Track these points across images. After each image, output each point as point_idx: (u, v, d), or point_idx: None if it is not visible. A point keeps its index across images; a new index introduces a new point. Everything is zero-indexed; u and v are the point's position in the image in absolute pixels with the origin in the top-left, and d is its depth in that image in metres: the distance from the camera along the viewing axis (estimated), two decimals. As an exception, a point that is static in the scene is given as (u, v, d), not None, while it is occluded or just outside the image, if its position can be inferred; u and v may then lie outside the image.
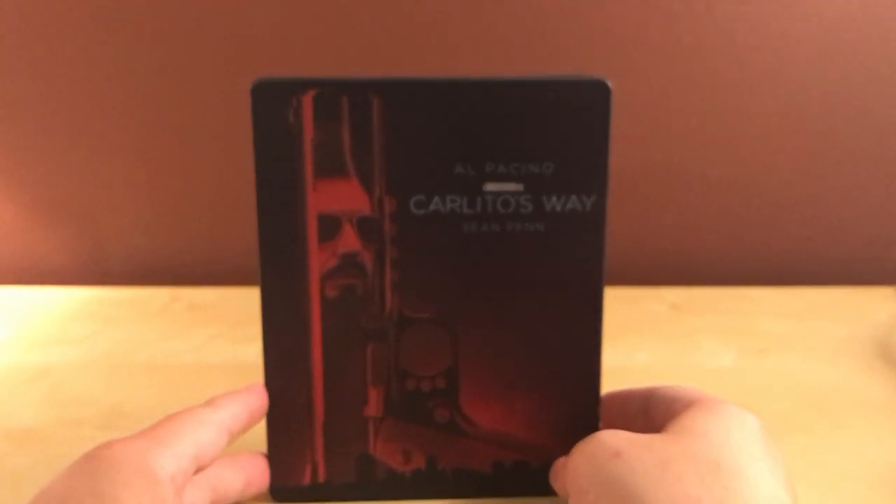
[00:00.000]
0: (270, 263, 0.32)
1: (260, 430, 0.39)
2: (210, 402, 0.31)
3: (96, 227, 0.61)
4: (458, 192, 0.32)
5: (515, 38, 0.57)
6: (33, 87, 0.58)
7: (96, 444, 0.28)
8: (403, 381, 0.33)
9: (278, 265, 0.32)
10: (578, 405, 0.34)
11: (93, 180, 0.60)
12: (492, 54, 0.57)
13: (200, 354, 0.48)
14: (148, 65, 0.57)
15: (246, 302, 0.56)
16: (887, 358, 0.48)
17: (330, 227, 0.32)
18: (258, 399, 0.33)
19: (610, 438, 0.28)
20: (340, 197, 0.32)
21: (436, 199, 0.32)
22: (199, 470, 0.29)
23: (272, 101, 0.31)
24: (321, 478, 0.34)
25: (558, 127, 0.31)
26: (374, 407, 0.33)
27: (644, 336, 0.51)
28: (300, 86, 0.31)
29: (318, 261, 0.32)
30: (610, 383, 0.44)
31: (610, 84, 0.31)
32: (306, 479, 0.34)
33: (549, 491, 0.34)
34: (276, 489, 0.34)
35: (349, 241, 0.32)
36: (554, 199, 0.32)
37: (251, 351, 0.49)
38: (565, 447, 0.33)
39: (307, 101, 0.31)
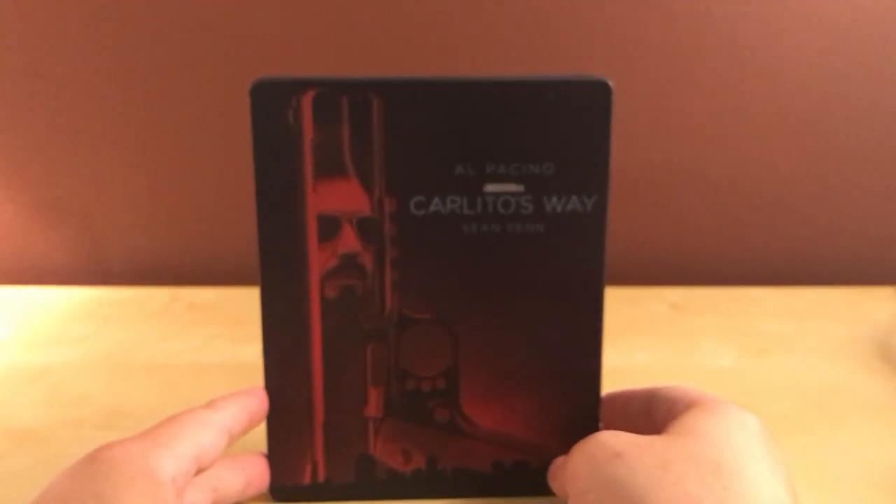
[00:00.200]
0: (270, 264, 0.32)
1: (260, 430, 0.39)
2: (210, 404, 0.31)
3: (96, 227, 0.61)
4: (458, 192, 0.32)
5: (515, 38, 0.56)
6: (33, 87, 0.58)
7: (96, 444, 0.28)
8: (403, 382, 0.33)
9: (278, 265, 0.32)
10: (579, 405, 0.34)
11: (93, 180, 0.60)
12: (492, 54, 0.57)
13: (200, 354, 0.48)
14: (148, 65, 0.57)
15: (246, 302, 0.56)
16: (887, 358, 0.48)
17: (330, 227, 0.32)
18: (258, 401, 0.33)
19: (610, 439, 0.28)
20: (340, 197, 0.32)
21: (436, 199, 0.32)
22: (199, 471, 0.29)
23: (272, 101, 0.31)
24: (321, 477, 0.34)
25: (559, 127, 0.31)
26: (374, 407, 0.33)
27: (644, 336, 0.51)
28: (300, 86, 0.31)
29: (318, 261, 0.32)
30: (610, 383, 0.44)
31: (611, 84, 0.31)
32: (306, 479, 0.34)
33: (549, 491, 0.34)
34: (276, 489, 0.34)
35: (349, 241, 0.32)
36: (554, 199, 0.32)
37: (251, 351, 0.49)
38: (565, 447, 0.33)
39: (307, 101, 0.31)
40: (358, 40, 0.57)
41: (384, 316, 0.33)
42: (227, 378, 0.45)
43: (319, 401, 0.33)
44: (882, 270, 0.61)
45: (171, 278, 0.61)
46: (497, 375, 0.33)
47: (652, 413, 0.31)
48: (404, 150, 0.31)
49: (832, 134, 0.59)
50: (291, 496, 0.34)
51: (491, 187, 0.32)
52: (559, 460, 0.33)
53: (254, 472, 0.33)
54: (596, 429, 0.34)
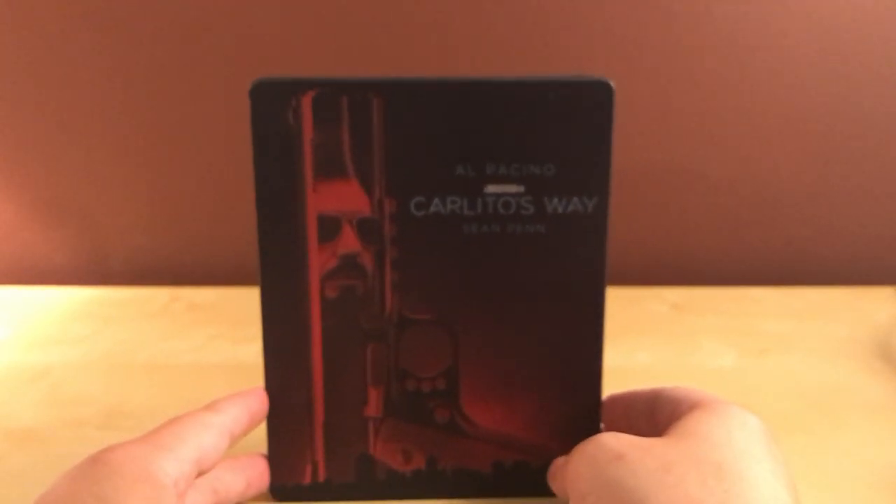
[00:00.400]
0: (270, 264, 0.32)
1: (260, 430, 0.39)
2: (211, 406, 0.31)
3: (96, 227, 0.61)
4: (458, 193, 0.32)
5: (515, 38, 0.56)
6: (33, 87, 0.58)
7: (97, 444, 0.28)
8: (403, 382, 0.33)
9: (278, 266, 0.32)
10: (579, 406, 0.34)
11: (93, 180, 0.60)
12: (492, 54, 0.57)
13: (200, 354, 0.48)
14: (148, 65, 0.57)
15: (246, 302, 0.56)
16: (887, 358, 0.48)
17: (330, 227, 0.32)
18: (259, 402, 0.33)
19: (611, 441, 0.28)
20: (340, 198, 0.32)
21: (436, 200, 0.32)
22: (200, 474, 0.29)
23: (271, 101, 0.31)
24: (321, 477, 0.34)
25: (560, 128, 0.31)
26: (374, 407, 0.33)
27: (644, 336, 0.51)
28: (299, 86, 0.31)
29: (318, 261, 0.32)
30: (610, 383, 0.44)
31: (613, 84, 0.31)
32: (306, 479, 0.34)
33: (549, 491, 0.34)
34: (276, 488, 0.34)
35: (349, 241, 0.32)
36: (555, 200, 0.32)
37: (251, 351, 0.49)
38: (566, 448, 0.33)
39: (307, 101, 0.31)
40: (358, 40, 0.57)
41: (384, 316, 0.33)
42: (227, 378, 0.45)
43: (319, 401, 0.33)
44: (882, 270, 0.61)
45: (171, 278, 0.61)
46: (497, 376, 0.33)
47: (655, 414, 0.31)
48: (404, 150, 0.31)
49: (832, 134, 0.59)
50: (291, 496, 0.34)
51: (491, 188, 0.32)
52: (559, 461, 0.33)
53: (254, 473, 0.33)
54: (597, 429, 0.34)
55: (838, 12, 0.56)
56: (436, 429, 0.34)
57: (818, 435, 0.40)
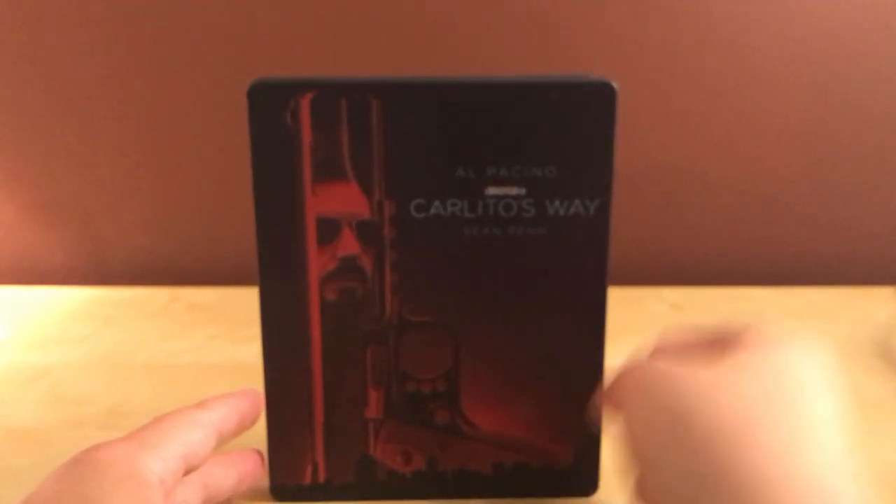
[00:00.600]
0: (269, 266, 0.32)
1: (261, 430, 0.39)
2: (199, 404, 0.31)
3: (96, 227, 0.61)
4: (458, 195, 0.32)
5: (515, 38, 0.56)
6: (33, 87, 0.58)
7: (96, 444, 0.28)
8: (403, 384, 0.33)
9: (277, 268, 0.32)
10: (580, 408, 0.34)
11: (93, 180, 0.60)
12: (492, 54, 0.57)
13: (200, 355, 0.48)
14: (148, 65, 0.57)
15: (246, 302, 0.56)
16: (887, 358, 0.48)
17: (329, 230, 0.32)
18: (250, 403, 0.33)
19: (660, 364, 0.28)
20: (339, 200, 0.32)
21: (436, 202, 0.32)
22: (189, 471, 0.29)
23: (269, 102, 0.31)
24: (321, 478, 0.34)
25: (562, 129, 0.31)
26: (374, 409, 0.33)
27: (644, 336, 0.51)
28: (298, 87, 0.31)
29: (318, 264, 0.32)
30: (610, 384, 0.44)
31: (615, 85, 0.31)
32: (307, 479, 0.34)
33: (549, 492, 0.34)
34: (276, 488, 0.34)
35: (348, 244, 0.32)
36: (557, 203, 0.32)
37: (251, 351, 0.48)
38: (566, 449, 0.34)
39: (305, 102, 0.31)
40: (358, 40, 0.57)
41: (384, 318, 0.33)
42: (227, 378, 0.45)
43: (319, 402, 0.33)
44: (882, 270, 0.61)
45: (171, 278, 0.61)
46: (497, 378, 0.33)
47: (713, 345, 0.30)
48: (404, 152, 0.31)
49: (832, 134, 0.59)
50: (292, 496, 0.34)
51: (492, 190, 0.32)
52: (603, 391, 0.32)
53: (246, 468, 0.33)
54: (598, 430, 0.34)
55: (838, 12, 0.56)
56: (436, 430, 0.34)
57: (818, 435, 0.39)
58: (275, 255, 0.32)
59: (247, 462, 0.33)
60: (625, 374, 0.29)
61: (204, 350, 0.49)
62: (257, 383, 0.42)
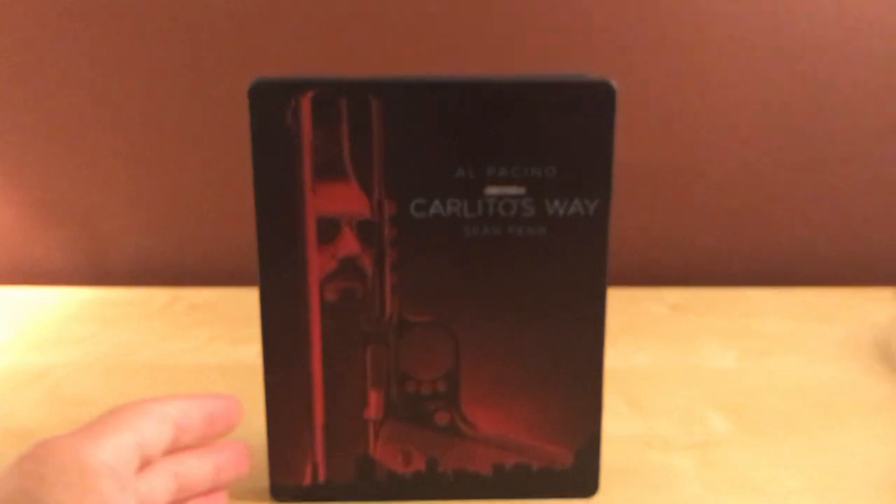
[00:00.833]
0: (269, 266, 0.32)
1: (261, 429, 0.39)
2: (158, 397, 0.31)
3: (96, 227, 0.61)
4: (458, 195, 0.32)
5: (515, 38, 0.56)
6: (33, 87, 0.58)
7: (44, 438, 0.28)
8: (403, 384, 0.33)
9: (277, 268, 0.32)
10: (580, 408, 0.34)
11: (93, 180, 0.60)
12: (492, 54, 0.57)
13: (200, 355, 0.48)
14: (148, 65, 0.57)
15: (246, 302, 0.56)
16: (887, 359, 0.48)
17: (329, 229, 0.32)
18: (222, 406, 0.32)
19: None
20: (340, 199, 0.32)
21: (436, 202, 0.32)
22: (147, 459, 0.29)
23: (270, 102, 0.31)
24: (321, 478, 0.34)
25: (561, 129, 0.31)
26: (374, 409, 0.33)
27: (644, 337, 0.51)
28: (298, 87, 0.31)
29: (318, 263, 0.32)
30: (610, 384, 0.45)
31: (615, 85, 0.31)
32: (306, 479, 0.34)
33: (549, 493, 0.34)
34: (276, 488, 0.34)
35: (349, 244, 0.32)
36: (556, 202, 0.32)
37: (251, 351, 0.49)
38: (566, 450, 0.34)
39: (305, 102, 0.31)
40: (358, 40, 0.57)
41: (384, 319, 0.33)
42: (227, 378, 0.45)
43: (319, 402, 0.33)
44: (882, 270, 0.61)
45: (171, 278, 0.61)
46: (497, 378, 0.33)
47: None
48: (404, 151, 0.31)
49: (832, 134, 0.59)
50: (291, 496, 0.34)
51: (492, 190, 0.32)
52: None
53: (224, 458, 0.32)
54: (598, 431, 0.34)
55: (838, 12, 0.56)
56: (436, 431, 0.34)
57: (818, 435, 0.40)
58: (275, 255, 0.32)
59: (224, 452, 0.32)
60: None
61: (204, 350, 0.49)
62: (257, 383, 0.42)
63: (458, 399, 0.33)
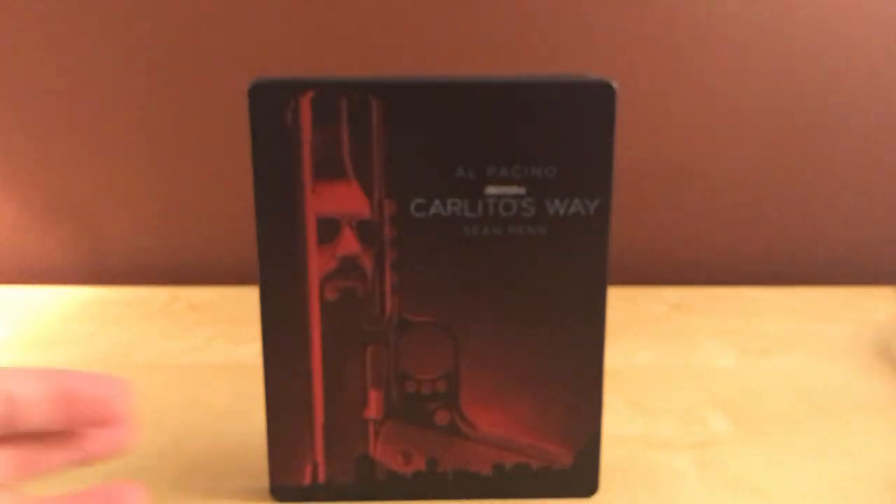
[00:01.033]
0: (270, 266, 0.32)
1: (261, 429, 0.39)
2: None
3: (96, 227, 0.61)
4: (459, 195, 0.32)
5: (515, 38, 0.56)
6: (33, 87, 0.58)
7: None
8: (403, 384, 0.33)
9: (277, 268, 0.32)
10: (580, 408, 0.34)
11: (93, 180, 0.60)
12: (492, 54, 0.57)
13: (200, 354, 0.48)
14: (148, 65, 0.57)
15: (246, 302, 0.56)
16: (887, 358, 0.48)
17: (329, 229, 0.32)
18: (88, 383, 0.26)
19: None
20: (340, 199, 0.32)
21: (436, 202, 0.32)
22: None
23: (270, 102, 0.31)
24: (321, 478, 0.34)
25: (561, 129, 0.31)
26: (374, 409, 0.33)
27: (644, 336, 0.51)
28: (298, 87, 0.31)
29: (318, 263, 0.32)
30: (611, 383, 0.45)
31: (615, 85, 0.31)
32: (306, 479, 0.34)
33: (549, 493, 0.34)
34: (276, 488, 0.34)
35: (349, 243, 0.32)
36: (557, 202, 0.32)
37: (251, 351, 0.49)
38: (566, 449, 0.34)
39: (305, 102, 0.31)
40: (358, 40, 0.57)
41: (384, 318, 0.33)
42: (227, 378, 0.45)
43: (319, 402, 0.33)
44: (882, 270, 0.61)
45: (171, 278, 0.61)
46: (498, 378, 0.33)
47: None
48: (404, 151, 0.31)
49: (832, 134, 0.59)
50: (291, 496, 0.34)
51: (492, 190, 0.32)
52: None
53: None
54: (598, 431, 0.34)
55: (839, 12, 0.56)
56: (436, 431, 0.34)
57: (818, 435, 0.40)
58: (275, 254, 0.32)
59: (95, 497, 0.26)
60: None
61: (204, 350, 0.49)
62: (257, 383, 0.42)
63: (458, 399, 0.33)
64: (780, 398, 0.43)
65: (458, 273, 0.32)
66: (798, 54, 0.57)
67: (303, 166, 0.31)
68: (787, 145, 0.59)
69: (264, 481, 0.35)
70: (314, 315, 0.33)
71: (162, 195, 0.60)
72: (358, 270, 0.32)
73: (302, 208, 0.32)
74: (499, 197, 0.32)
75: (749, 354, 0.48)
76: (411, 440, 0.34)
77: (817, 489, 0.35)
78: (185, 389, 0.44)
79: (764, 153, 0.59)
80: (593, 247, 0.32)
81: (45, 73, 0.58)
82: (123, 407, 0.26)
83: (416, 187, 0.32)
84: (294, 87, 0.31)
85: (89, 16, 0.56)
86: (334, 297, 0.32)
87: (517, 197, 0.32)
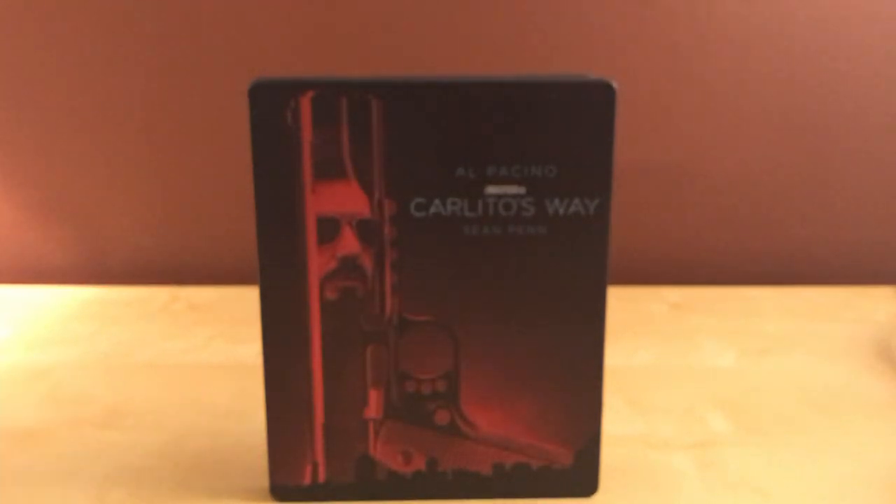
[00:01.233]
0: (270, 265, 0.32)
1: (261, 429, 0.39)
2: None
3: (96, 227, 0.61)
4: (459, 194, 0.32)
5: (515, 38, 0.56)
6: (34, 87, 0.58)
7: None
8: (403, 384, 0.33)
9: (277, 267, 0.32)
10: (580, 408, 0.34)
11: (93, 180, 0.60)
12: (492, 54, 0.57)
13: (200, 354, 0.48)
14: (148, 64, 0.57)
15: (246, 302, 0.56)
16: (887, 358, 0.48)
17: (329, 229, 0.32)
18: None
19: None
20: (340, 199, 0.32)
21: (436, 201, 0.32)
22: None
23: (270, 102, 0.31)
24: (321, 478, 0.34)
25: (561, 129, 0.31)
26: (374, 409, 0.33)
27: (644, 336, 0.51)
28: (298, 87, 0.31)
29: (318, 263, 0.32)
30: (611, 383, 0.45)
31: (615, 85, 0.31)
32: (306, 479, 0.34)
33: (549, 493, 0.34)
34: (276, 488, 0.34)
35: (349, 243, 0.32)
36: (557, 202, 0.32)
37: (251, 351, 0.49)
38: (567, 449, 0.34)
39: (305, 102, 0.31)
40: (358, 40, 0.57)
41: (384, 318, 0.33)
42: (227, 378, 0.45)
43: (319, 402, 0.33)
44: (882, 270, 0.61)
45: (171, 278, 0.61)
46: (498, 378, 0.33)
47: None
48: (404, 151, 0.31)
49: (832, 134, 0.59)
50: (291, 496, 0.34)
51: (492, 189, 0.32)
52: None
53: None
54: (598, 430, 0.34)
55: (838, 11, 0.56)
56: (436, 431, 0.34)
57: (818, 435, 0.40)
58: (275, 254, 0.32)
59: None
60: None
61: (204, 350, 0.49)
62: (257, 383, 0.42)
63: (458, 399, 0.33)
64: (780, 398, 0.43)
65: (458, 273, 0.32)
66: (798, 54, 0.57)
67: (303, 166, 0.31)
68: (787, 145, 0.59)
69: (264, 481, 0.35)
70: (314, 315, 0.33)
71: (162, 195, 0.60)
72: (358, 270, 0.32)
73: (302, 208, 0.32)
74: (499, 196, 0.32)
75: (749, 354, 0.48)
76: (411, 440, 0.34)
77: (817, 489, 0.35)
78: (185, 389, 0.44)
79: (764, 153, 0.59)
80: (593, 246, 0.32)
81: (45, 73, 0.58)
82: None
83: (416, 187, 0.32)
84: (294, 87, 0.31)
85: (89, 16, 0.56)
86: (334, 296, 0.32)
87: (517, 196, 0.32)
